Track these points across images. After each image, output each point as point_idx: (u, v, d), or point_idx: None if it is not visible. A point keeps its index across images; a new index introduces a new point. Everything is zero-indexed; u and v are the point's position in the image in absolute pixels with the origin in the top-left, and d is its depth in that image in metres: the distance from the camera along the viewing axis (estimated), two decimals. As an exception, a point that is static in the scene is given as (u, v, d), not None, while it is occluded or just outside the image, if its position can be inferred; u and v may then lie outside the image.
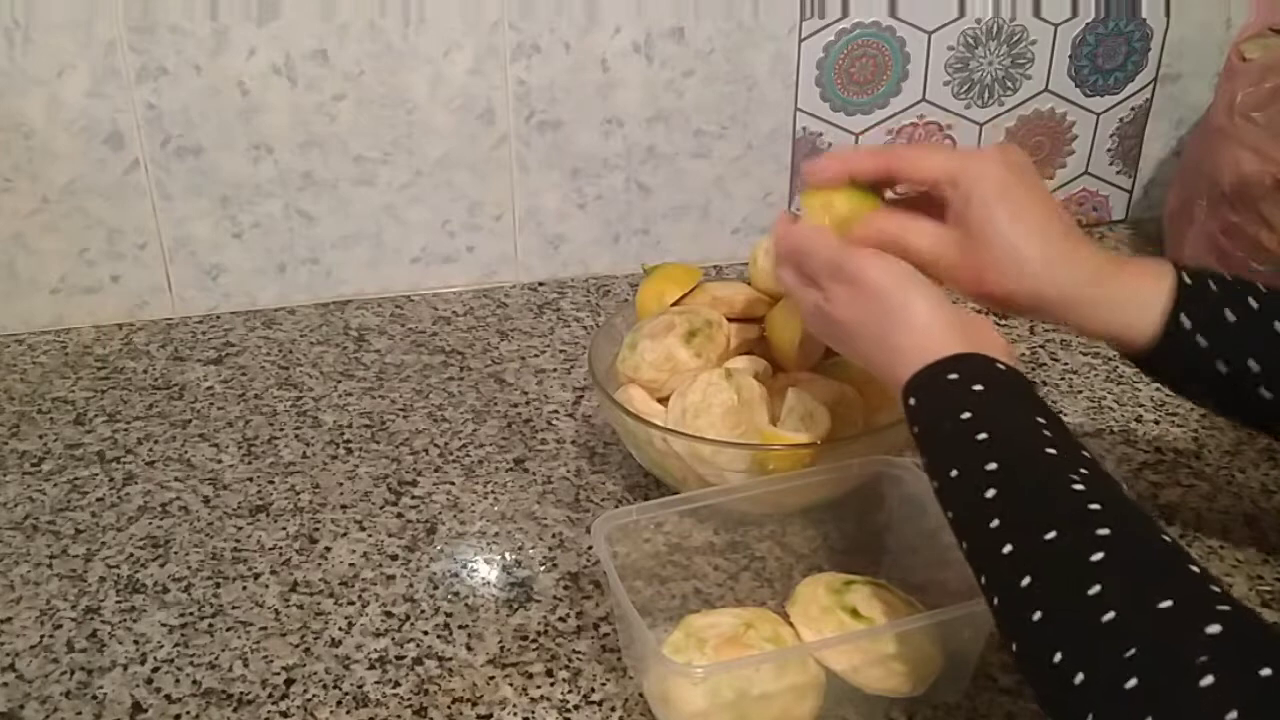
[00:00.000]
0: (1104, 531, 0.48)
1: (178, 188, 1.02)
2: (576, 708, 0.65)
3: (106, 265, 1.04)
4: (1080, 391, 0.95)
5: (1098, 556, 0.47)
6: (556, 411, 0.93)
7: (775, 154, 1.13)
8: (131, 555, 0.77)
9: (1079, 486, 0.51)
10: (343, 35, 1.00)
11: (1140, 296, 0.64)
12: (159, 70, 0.98)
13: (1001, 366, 0.58)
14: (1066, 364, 0.99)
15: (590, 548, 0.77)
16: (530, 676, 0.67)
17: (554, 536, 0.78)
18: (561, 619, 0.71)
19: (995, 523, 0.51)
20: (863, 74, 1.11)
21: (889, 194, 0.70)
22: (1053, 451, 0.53)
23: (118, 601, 0.73)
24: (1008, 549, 0.50)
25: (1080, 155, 1.20)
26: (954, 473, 0.55)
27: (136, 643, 0.70)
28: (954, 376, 0.57)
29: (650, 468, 0.80)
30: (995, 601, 0.51)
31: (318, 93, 1.01)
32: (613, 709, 0.65)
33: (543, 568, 0.76)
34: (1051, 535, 0.49)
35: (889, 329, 0.61)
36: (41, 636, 0.70)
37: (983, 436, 0.55)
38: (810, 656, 0.62)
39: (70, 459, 0.87)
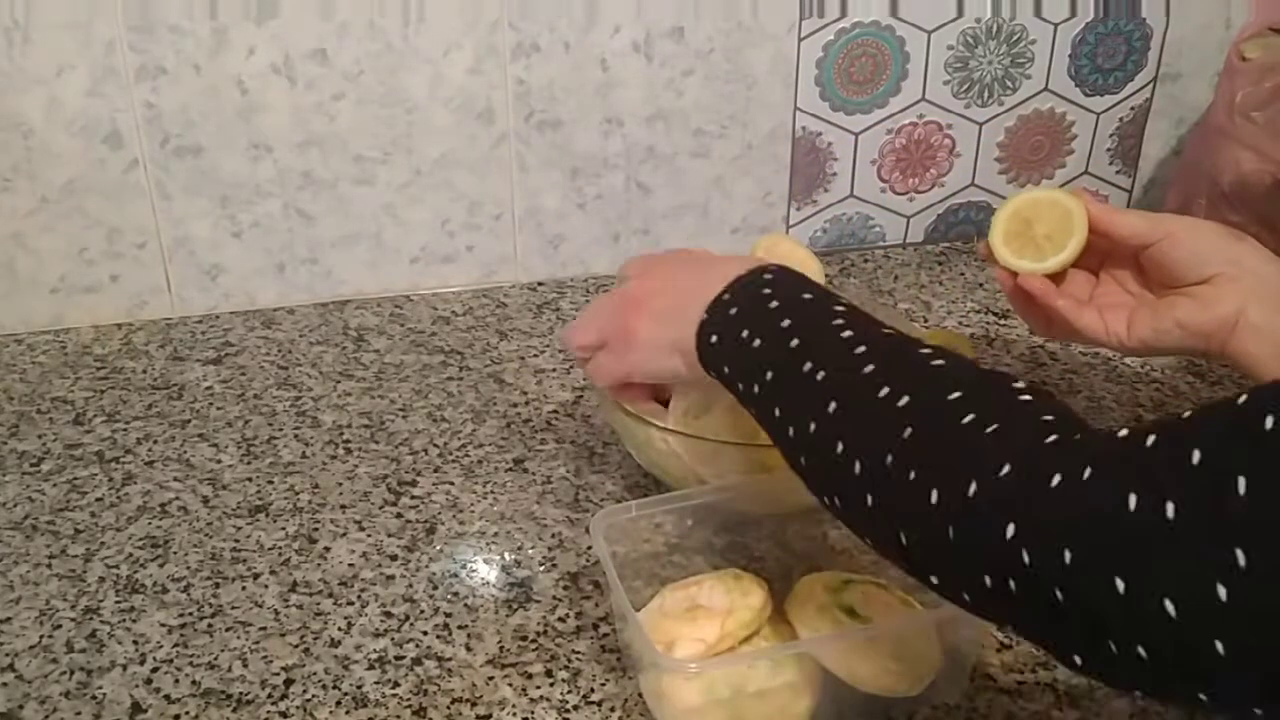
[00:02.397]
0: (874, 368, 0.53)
1: (177, 187, 1.02)
2: (576, 708, 0.65)
3: (106, 265, 1.04)
4: (1080, 391, 0.95)
5: (886, 391, 0.51)
6: (556, 411, 0.93)
7: (775, 153, 1.13)
8: (131, 555, 0.77)
9: (847, 332, 0.55)
10: (342, 35, 1.00)
11: None
12: (158, 70, 0.98)
13: (769, 272, 0.62)
14: (1066, 364, 0.99)
15: (589, 547, 0.77)
16: (530, 677, 0.67)
17: (553, 537, 0.78)
18: (561, 619, 0.71)
19: (819, 384, 0.54)
20: (862, 73, 1.11)
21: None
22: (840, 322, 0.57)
23: (117, 601, 0.73)
24: (829, 404, 0.53)
25: (1080, 155, 1.20)
26: (769, 374, 0.57)
27: (136, 643, 0.70)
28: (729, 298, 0.61)
29: (650, 468, 0.80)
30: (804, 462, 0.55)
31: (317, 92, 1.01)
32: (612, 709, 0.64)
33: (542, 568, 0.76)
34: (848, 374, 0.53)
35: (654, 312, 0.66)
36: (41, 636, 0.70)
37: (786, 324, 0.58)
38: (806, 654, 0.62)
39: (69, 459, 0.87)
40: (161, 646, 0.69)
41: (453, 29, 1.01)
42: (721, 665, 0.61)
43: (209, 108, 1.00)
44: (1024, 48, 1.13)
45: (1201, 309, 0.68)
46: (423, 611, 0.72)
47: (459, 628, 0.71)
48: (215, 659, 0.68)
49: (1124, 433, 0.42)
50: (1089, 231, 0.72)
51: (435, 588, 0.74)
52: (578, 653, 0.68)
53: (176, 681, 0.67)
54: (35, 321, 1.05)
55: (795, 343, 0.56)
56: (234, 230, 1.05)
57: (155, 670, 0.68)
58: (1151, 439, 0.40)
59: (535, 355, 1.01)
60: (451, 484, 0.84)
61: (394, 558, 0.77)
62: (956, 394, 0.48)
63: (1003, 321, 1.06)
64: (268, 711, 0.65)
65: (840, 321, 0.56)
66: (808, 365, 0.55)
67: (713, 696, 0.60)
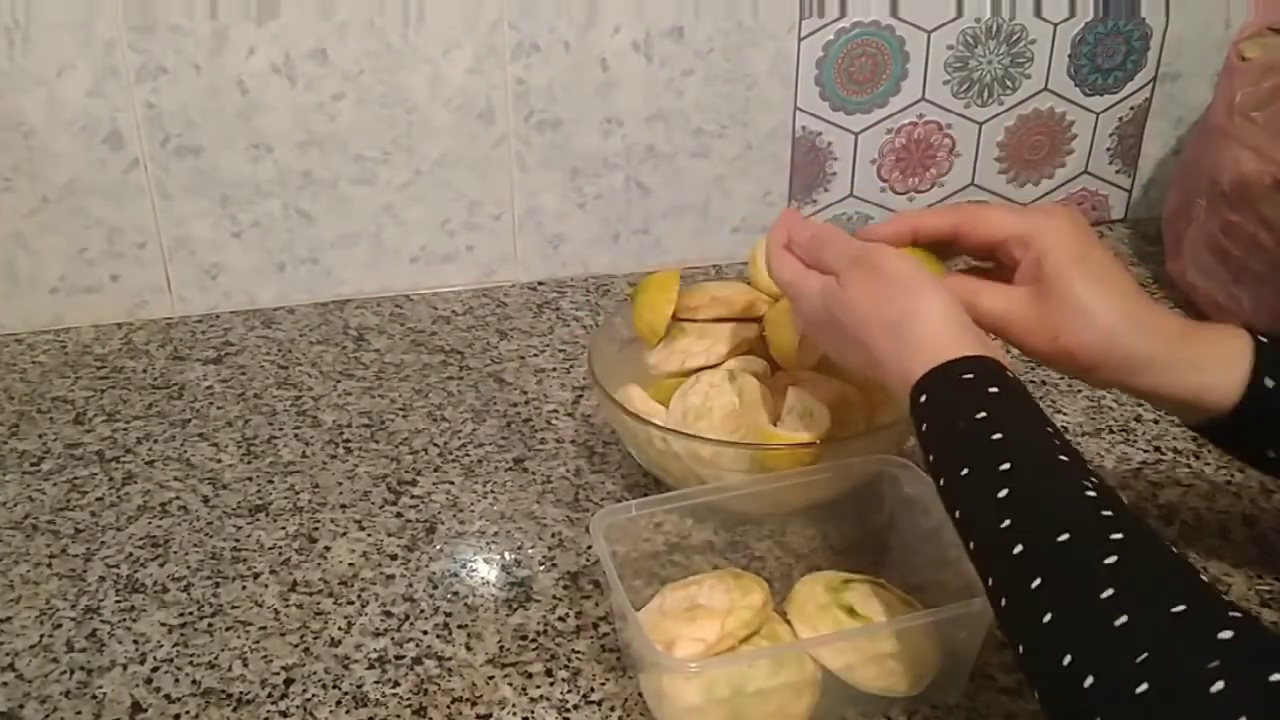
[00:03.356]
0: (1117, 536, 0.48)
1: (177, 187, 1.02)
2: (576, 707, 0.65)
3: (106, 265, 1.04)
4: (1080, 391, 0.95)
5: (1111, 560, 0.47)
6: (556, 411, 0.93)
7: (775, 153, 1.13)
8: (131, 555, 0.77)
9: (1091, 493, 0.51)
10: (342, 34, 1.00)
11: (1222, 356, 0.63)
12: (158, 70, 0.98)
13: (1010, 374, 0.58)
14: (1066, 363, 0.99)
15: (589, 547, 0.77)
16: (530, 676, 0.67)
17: (553, 536, 0.78)
18: (561, 619, 0.71)
19: (1007, 523, 0.51)
20: (862, 73, 1.11)
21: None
22: (1065, 459, 0.53)
23: (117, 601, 0.73)
24: (1018, 549, 0.50)
25: (1079, 154, 1.20)
26: (965, 471, 0.54)
27: (136, 642, 0.70)
28: (969, 376, 0.57)
29: (650, 467, 0.80)
30: (1003, 602, 0.50)
31: (317, 92, 1.01)
32: (612, 709, 0.65)
33: (542, 567, 0.76)
34: (1064, 537, 0.49)
35: (904, 318, 0.60)
36: (41, 636, 0.70)
37: (997, 437, 0.54)
38: (806, 654, 0.62)
39: (70, 458, 0.87)
40: (162, 646, 0.69)
41: (453, 29, 1.01)
42: (721, 665, 0.61)
43: (209, 108, 1.00)
44: (1024, 47, 1.13)
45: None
46: (423, 611, 0.72)
47: (459, 627, 0.71)
48: (215, 658, 0.68)
49: None
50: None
51: (435, 587, 0.74)
52: (578, 652, 0.68)
53: (177, 681, 0.67)
54: (35, 321, 1.05)
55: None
56: (234, 230, 1.05)
57: (155, 670, 0.68)
58: None
59: (535, 355, 1.01)
60: (451, 483, 0.84)
61: (394, 557, 0.77)
62: (1180, 607, 0.45)
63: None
64: (268, 711, 0.65)
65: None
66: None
67: (713, 696, 0.60)
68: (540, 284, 1.14)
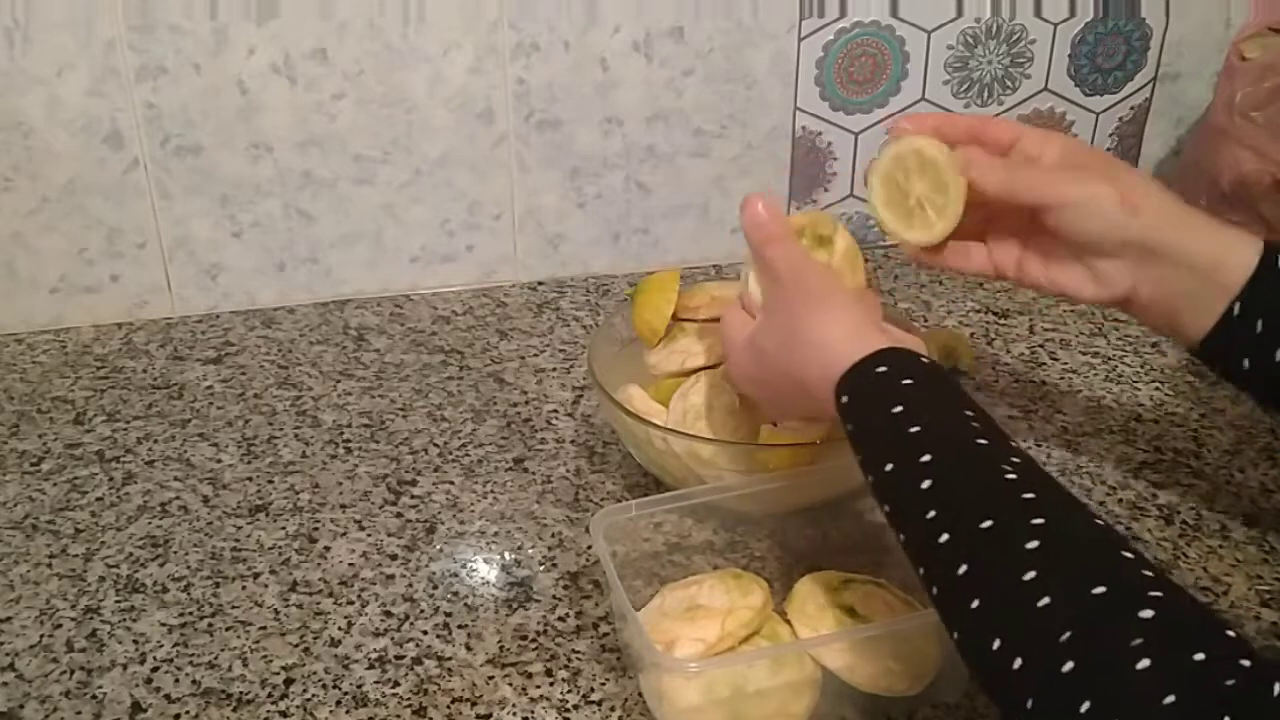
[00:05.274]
0: (1038, 520, 0.49)
1: (177, 187, 1.02)
2: (576, 707, 0.65)
3: (106, 265, 1.04)
4: (1080, 391, 0.95)
5: (1033, 544, 0.48)
6: (556, 411, 0.93)
7: (775, 153, 1.13)
8: (131, 555, 0.77)
9: (1011, 475, 0.52)
10: (342, 34, 1.00)
11: (1235, 234, 0.66)
12: (158, 69, 0.98)
13: (925, 360, 0.60)
14: (1066, 364, 0.99)
15: (589, 547, 0.77)
16: (530, 676, 0.67)
17: (553, 536, 0.78)
18: (561, 619, 0.71)
19: (932, 513, 0.52)
20: (862, 73, 1.11)
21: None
22: (984, 442, 0.54)
23: (117, 601, 0.73)
24: (944, 538, 0.51)
25: (1080, 154, 1.20)
26: (889, 466, 0.55)
27: (136, 642, 0.70)
28: (883, 369, 0.59)
29: (650, 467, 0.80)
30: (934, 591, 0.51)
31: (317, 92, 1.01)
32: (612, 709, 0.65)
33: (542, 567, 0.76)
34: (987, 523, 0.50)
35: (815, 331, 0.62)
36: (41, 636, 0.70)
37: (915, 429, 0.55)
38: (806, 654, 0.62)
39: (70, 458, 0.87)
40: (162, 646, 0.69)
41: (453, 29, 1.01)
42: (721, 665, 0.61)
43: (209, 107, 1.00)
44: (1024, 47, 1.13)
45: (1090, 283, 0.68)
46: (423, 611, 0.72)
47: (459, 627, 0.71)
48: (215, 658, 0.68)
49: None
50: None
51: (435, 587, 0.74)
52: (578, 652, 0.68)
53: (177, 681, 0.67)
54: (35, 321, 1.05)
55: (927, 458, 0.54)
56: (234, 230, 1.05)
57: (155, 670, 0.68)
58: None
59: (535, 355, 1.01)
60: (451, 483, 0.84)
61: (394, 557, 0.77)
62: (1100, 588, 0.46)
63: (1003, 321, 1.06)
64: (268, 711, 0.65)
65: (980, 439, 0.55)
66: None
67: (713, 696, 0.60)
68: (540, 284, 1.14)
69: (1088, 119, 1.18)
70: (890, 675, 0.62)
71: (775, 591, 0.67)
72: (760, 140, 1.12)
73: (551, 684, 0.66)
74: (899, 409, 0.56)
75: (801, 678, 0.62)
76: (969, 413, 0.56)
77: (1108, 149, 1.20)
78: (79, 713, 0.65)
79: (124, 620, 0.71)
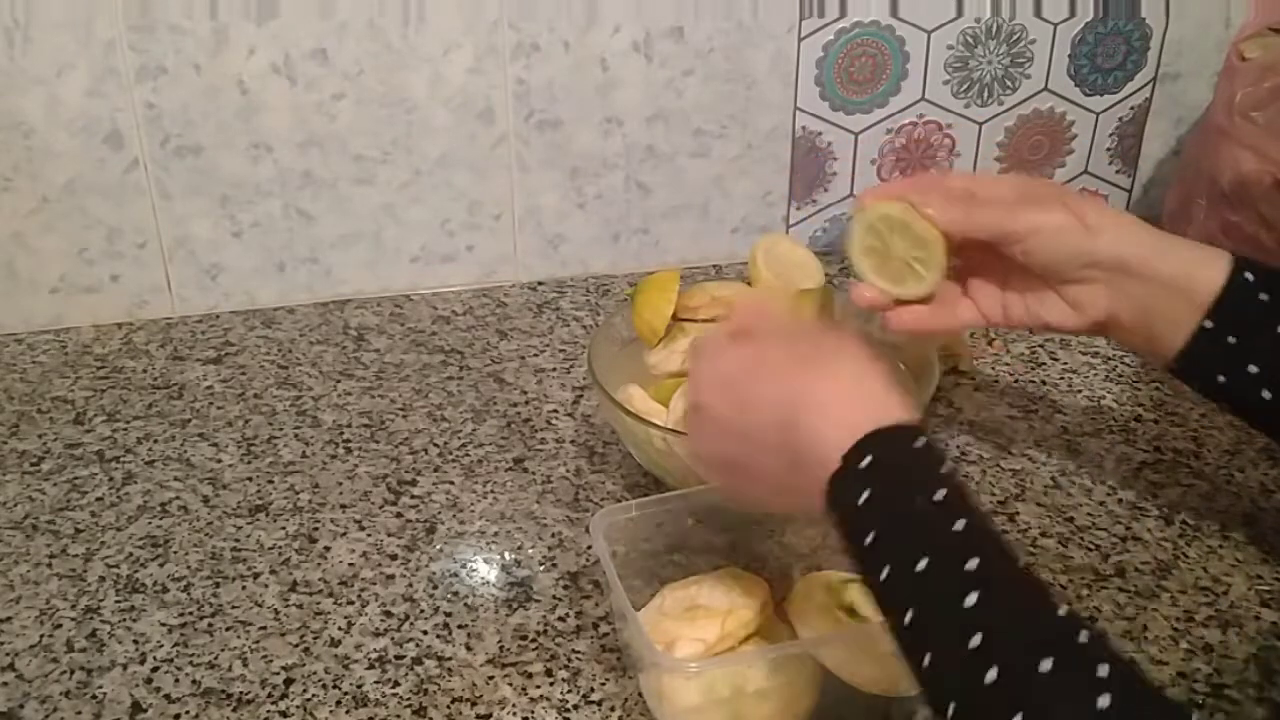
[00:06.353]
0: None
1: (177, 187, 1.02)
2: (576, 707, 0.65)
3: (106, 265, 1.04)
4: (1080, 391, 0.95)
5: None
6: (556, 411, 0.93)
7: (775, 153, 1.13)
8: (131, 555, 0.77)
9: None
10: (342, 34, 1.00)
11: (1204, 250, 0.66)
12: (158, 69, 0.98)
13: (912, 440, 0.53)
14: (1066, 364, 0.99)
15: (589, 547, 0.77)
16: (530, 676, 0.67)
17: (553, 536, 0.78)
18: (561, 619, 0.71)
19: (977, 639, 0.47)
20: (862, 73, 1.11)
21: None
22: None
23: (117, 601, 0.73)
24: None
25: (1079, 154, 1.20)
26: (924, 563, 0.50)
27: (136, 642, 0.70)
28: (921, 444, 0.53)
29: (650, 467, 0.81)
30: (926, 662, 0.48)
31: (317, 92, 1.01)
32: (612, 709, 0.65)
33: (542, 567, 0.76)
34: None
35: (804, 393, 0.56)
36: (41, 636, 0.70)
37: (959, 527, 0.50)
38: (806, 654, 0.62)
39: (70, 458, 0.87)
40: (162, 646, 0.69)
41: (453, 29, 1.01)
42: (721, 665, 0.61)
43: (209, 107, 1.00)
44: (1024, 47, 1.13)
45: (1071, 313, 0.69)
46: (423, 611, 0.72)
47: (459, 627, 0.71)
48: (215, 658, 0.68)
49: None
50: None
51: (435, 587, 0.74)
52: (578, 652, 0.68)
53: (177, 681, 0.67)
54: (35, 321, 1.05)
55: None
56: (234, 230, 1.05)
57: (155, 670, 0.68)
58: None
59: (535, 355, 1.01)
60: (451, 483, 0.84)
61: (394, 557, 0.77)
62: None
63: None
64: (268, 711, 0.65)
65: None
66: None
67: (713, 696, 0.60)
68: (540, 284, 1.14)
69: (1088, 119, 1.18)
70: (890, 675, 0.62)
71: (775, 591, 0.67)
72: (760, 140, 1.12)
73: (551, 684, 0.66)
74: (941, 494, 0.51)
75: (802, 678, 0.62)
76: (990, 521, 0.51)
77: (1108, 149, 1.20)
78: (79, 713, 0.65)
79: (124, 620, 0.71)
